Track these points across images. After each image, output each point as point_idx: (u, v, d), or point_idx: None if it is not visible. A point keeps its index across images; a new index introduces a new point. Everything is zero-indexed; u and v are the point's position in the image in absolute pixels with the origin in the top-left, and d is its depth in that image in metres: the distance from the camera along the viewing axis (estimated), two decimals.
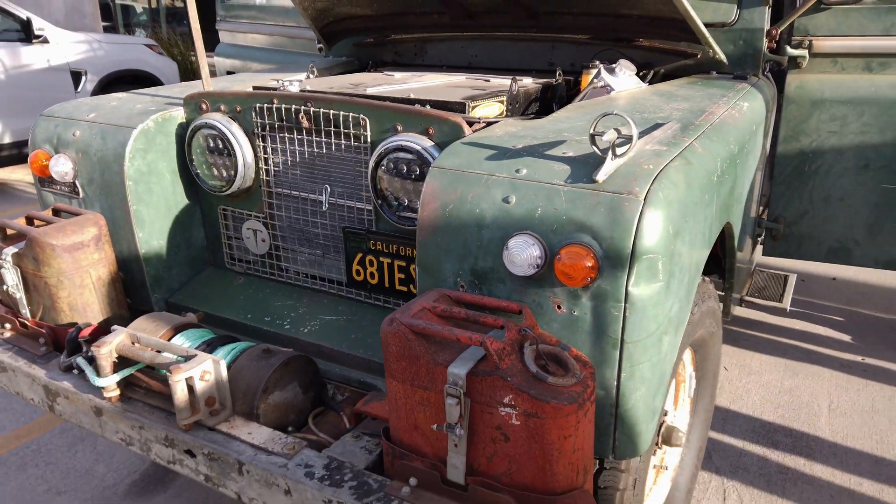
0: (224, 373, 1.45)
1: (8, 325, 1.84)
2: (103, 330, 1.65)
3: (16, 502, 2.18)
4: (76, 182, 1.86)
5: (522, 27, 2.34)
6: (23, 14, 5.63)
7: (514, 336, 1.16)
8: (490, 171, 1.30)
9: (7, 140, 5.54)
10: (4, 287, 1.78)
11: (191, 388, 1.42)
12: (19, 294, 1.78)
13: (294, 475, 1.30)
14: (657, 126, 1.49)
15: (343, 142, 1.66)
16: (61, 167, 1.85)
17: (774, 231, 2.30)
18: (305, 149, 1.73)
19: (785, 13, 2.10)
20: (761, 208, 2.32)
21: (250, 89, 1.85)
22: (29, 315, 1.81)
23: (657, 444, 1.73)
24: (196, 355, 1.44)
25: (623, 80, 1.94)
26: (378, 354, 1.63)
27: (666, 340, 1.28)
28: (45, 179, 1.94)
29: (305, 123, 1.68)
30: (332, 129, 1.66)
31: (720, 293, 2.14)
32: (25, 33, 5.61)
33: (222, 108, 1.81)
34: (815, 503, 2.11)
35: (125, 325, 1.64)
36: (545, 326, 1.26)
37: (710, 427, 2.46)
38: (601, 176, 1.21)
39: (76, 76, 5.96)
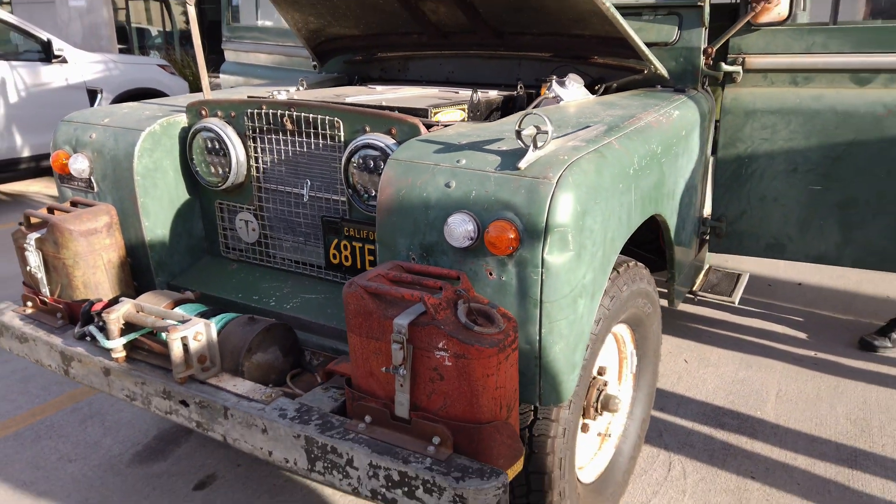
0: (214, 335, 1.70)
1: (30, 303, 2.11)
2: (112, 304, 1.91)
3: (31, 468, 2.42)
4: (91, 178, 2.14)
5: (491, 46, 2.61)
6: (43, 35, 5.98)
7: (449, 295, 1.41)
8: (436, 162, 1.56)
9: (26, 154, 5.87)
10: (28, 268, 2.05)
11: (186, 348, 1.67)
12: (40, 274, 2.04)
13: (269, 416, 1.54)
14: (585, 127, 1.75)
15: (320, 141, 1.93)
16: (79, 165, 2.12)
17: (717, 229, 2.54)
18: (289, 148, 2.00)
19: (723, 34, 2.35)
20: (706, 208, 2.56)
21: (244, 98, 2.12)
22: (48, 293, 2.07)
23: (596, 410, 1.96)
24: (190, 319, 1.70)
25: (572, 91, 2.20)
26: (333, 326, 1.87)
27: (581, 303, 1.53)
28: (64, 176, 2.21)
29: (289, 126, 1.94)
30: (312, 130, 1.93)
31: (665, 282, 2.38)
32: (45, 53, 5.96)
33: (219, 113, 2.08)
34: (751, 474, 2.33)
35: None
36: (480, 290, 1.51)
37: (666, 411, 2.69)
38: (523, 164, 1.46)
39: (92, 94, 6.30)
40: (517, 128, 1.50)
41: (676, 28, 2.37)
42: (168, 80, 6.99)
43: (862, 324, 3.41)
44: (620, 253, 2.26)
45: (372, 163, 1.79)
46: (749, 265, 4.17)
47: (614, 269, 1.83)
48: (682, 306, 3.65)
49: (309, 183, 1.98)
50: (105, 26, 11.56)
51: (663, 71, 2.33)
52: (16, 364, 3.15)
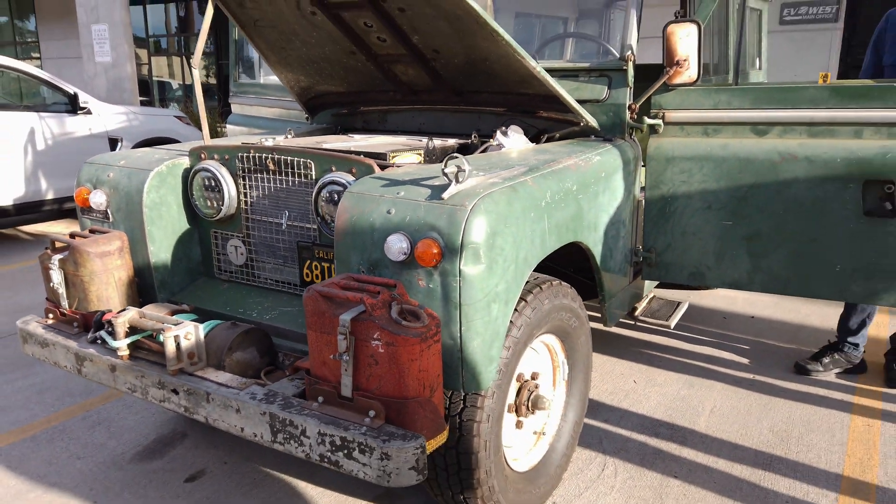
0: (202, 335, 2.08)
1: (51, 315, 2.50)
2: (120, 314, 2.30)
3: (45, 464, 2.77)
4: (108, 210, 2.55)
5: (452, 102, 3.04)
6: (71, 90, 6.54)
7: (385, 297, 1.78)
8: (381, 194, 1.95)
9: (50, 196, 6.36)
10: (51, 284, 2.44)
11: (178, 345, 2.05)
12: (61, 290, 2.43)
13: (242, 399, 1.90)
14: (507, 167, 2.14)
15: (296, 179, 2.33)
16: (98, 199, 2.54)
17: (649, 259, 2.90)
18: (271, 185, 2.40)
19: (645, 92, 2.76)
20: (637, 241, 2.92)
21: (237, 143, 2.54)
22: (67, 306, 2.45)
23: (528, 409, 2.30)
24: (182, 322, 2.07)
25: (513, 140, 2.61)
26: (302, 332, 2.24)
27: (495, 307, 1.89)
28: (85, 209, 2.62)
29: (271, 166, 2.36)
30: (289, 170, 2.33)
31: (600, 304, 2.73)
32: (72, 106, 6.51)
33: (216, 156, 2.50)
34: (675, 474, 2.64)
35: None
36: (413, 295, 1.88)
37: (609, 422, 3.01)
38: (446, 195, 1.85)
39: (113, 142, 6.82)
40: (443, 168, 1.89)
41: (606, 87, 2.78)
42: (184, 130, 7.52)
43: (803, 351, 3.72)
44: (549, 273, 2.62)
45: (336, 196, 2.19)
46: (708, 300, 4.51)
47: (537, 285, 2.19)
48: (638, 334, 3.99)
49: (287, 213, 2.38)
50: (128, 80, 12.27)
51: (594, 123, 2.74)
52: (34, 378, 3.52)
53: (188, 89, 14.90)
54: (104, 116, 6.77)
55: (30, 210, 6.29)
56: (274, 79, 4.19)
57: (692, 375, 3.47)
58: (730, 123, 2.68)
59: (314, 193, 2.24)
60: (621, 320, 4.07)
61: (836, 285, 2.60)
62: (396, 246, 1.85)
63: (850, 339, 3.41)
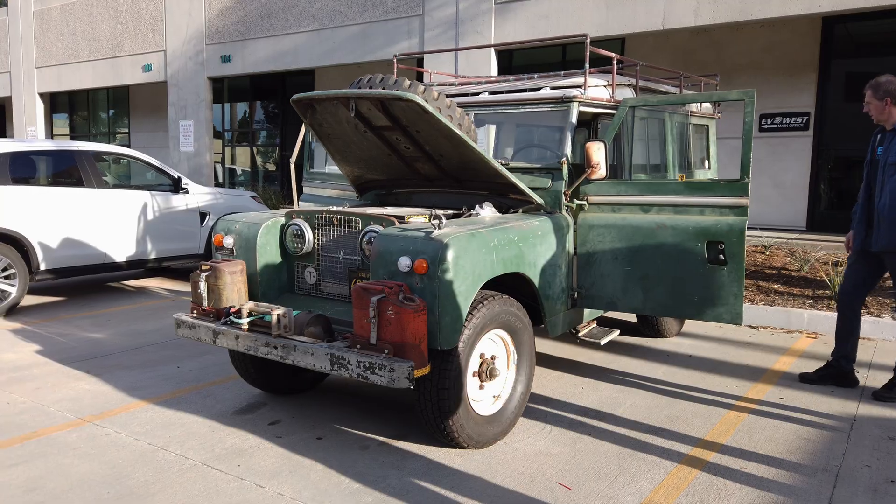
0: (292, 316, 3.58)
1: (195, 311, 4.04)
2: (243, 306, 3.82)
3: (180, 413, 4.24)
4: (233, 248, 4.13)
5: (454, 187, 4.59)
6: (175, 174, 8.41)
7: (395, 289, 3.26)
8: (396, 235, 3.47)
9: (153, 256, 8.09)
10: (198, 291, 3.99)
11: (279, 321, 3.55)
12: (205, 294, 3.98)
13: (314, 348, 3.37)
14: (473, 224, 3.64)
15: (349, 230, 3.88)
16: (228, 241, 4.12)
17: (579, 293, 4.33)
18: (334, 233, 3.95)
19: (573, 183, 4.27)
20: (572, 282, 4.35)
21: (314, 209, 4.11)
22: (206, 305, 3.99)
23: (487, 376, 3.69)
24: (280, 308, 3.59)
25: (486, 211, 4.12)
26: (350, 320, 3.70)
27: (459, 299, 3.34)
28: (218, 247, 4.21)
29: (335, 222, 3.92)
30: (346, 225, 3.88)
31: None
32: (174, 187, 8.34)
33: (301, 217, 4.07)
34: (590, 434, 3.95)
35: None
36: (414, 291, 3.35)
37: (555, 408, 4.34)
38: (433, 235, 3.35)
39: (203, 216, 8.60)
40: (431, 221, 3.41)
41: (550, 180, 4.30)
42: (255, 207, 9.29)
43: (718, 374, 5.00)
44: (504, 294, 4.03)
45: (371, 239, 3.72)
46: (664, 345, 5.83)
47: (492, 296, 3.64)
48: (598, 358, 5.32)
49: (343, 250, 3.92)
50: (207, 167, 14.40)
51: (541, 202, 4.24)
52: (155, 373, 5.04)
53: (251, 175, 17.02)
54: (197, 196, 8.58)
55: (136, 266, 8.02)
56: (334, 169, 5.86)
57: (624, 386, 4.79)
58: (627, 204, 4.16)
59: (360, 238, 3.77)
60: (580, 348, 5.44)
61: (695, 308, 3.97)
62: (404, 262, 3.35)
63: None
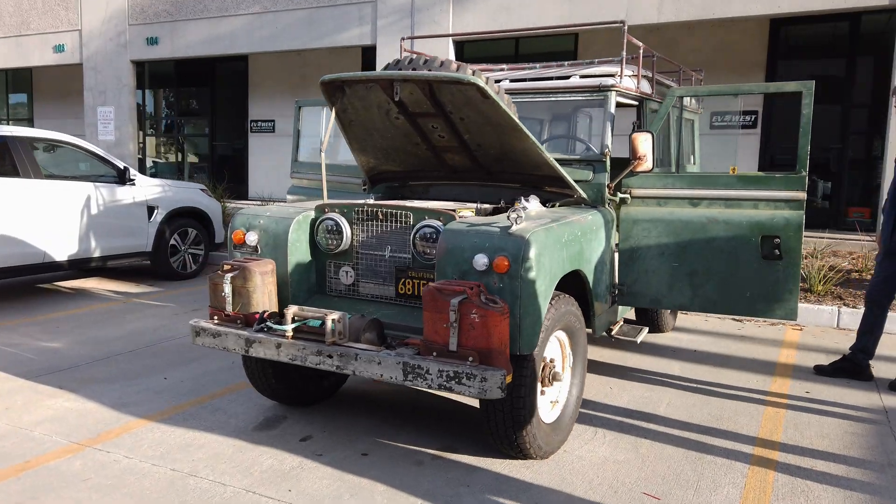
0: (347, 320, 3.21)
1: (216, 317, 3.58)
2: (275, 314, 3.39)
3: (193, 431, 3.76)
4: (257, 245, 3.68)
5: (483, 179, 4.32)
6: (120, 164, 7.65)
7: (476, 291, 2.97)
8: (467, 230, 3.17)
9: (97, 254, 7.33)
10: (222, 294, 3.53)
11: (333, 327, 3.17)
12: (229, 298, 3.52)
13: (382, 356, 3.03)
14: (541, 219, 3.39)
15: (398, 225, 3.53)
16: (252, 237, 3.68)
17: (621, 290, 4.16)
18: (378, 229, 3.60)
19: (617, 176, 4.09)
20: (615, 278, 4.19)
21: (353, 202, 3.73)
22: (230, 310, 3.54)
23: (549, 380, 3.46)
24: (334, 312, 3.21)
25: (532, 205, 3.88)
26: (405, 324, 3.37)
27: (539, 300, 3.09)
28: (237, 245, 3.75)
29: (381, 217, 3.56)
30: (392, 219, 3.54)
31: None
32: (120, 178, 7.59)
33: (336, 210, 3.69)
34: (646, 436, 3.80)
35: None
36: (492, 291, 3.07)
37: (596, 410, 4.17)
38: (511, 231, 3.08)
39: (150, 210, 7.87)
40: (508, 215, 3.14)
41: (591, 172, 4.11)
42: (207, 201, 8.63)
43: (724, 367, 4.99)
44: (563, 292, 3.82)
45: (430, 234, 3.39)
46: (661, 340, 5.78)
47: (556, 296, 3.40)
48: (609, 355, 5.20)
49: (389, 248, 3.57)
50: (131, 157, 13.35)
51: (584, 196, 4.04)
52: (142, 385, 4.49)
53: (175, 167, 16.00)
54: (145, 188, 7.85)
55: (78, 265, 7.23)
56: (330, 160, 5.42)
57: (651, 384, 4.68)
58: (674, 198, 4.03)
59: (413, 233, 3.44)
60: (600, 347, 5.31)
61: (747, 305, 3.90)
62: (481, 261, 3.05)
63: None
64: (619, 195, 4.12)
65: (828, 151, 10.20)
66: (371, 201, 3.77)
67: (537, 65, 4.81)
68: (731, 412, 4.19)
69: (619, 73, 4.35)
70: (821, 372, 4.91)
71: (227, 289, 3.52)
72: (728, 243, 3.87)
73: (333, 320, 3.17)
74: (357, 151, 4.35)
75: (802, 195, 3.74)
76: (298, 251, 3.69)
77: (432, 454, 3.54)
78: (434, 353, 3.00)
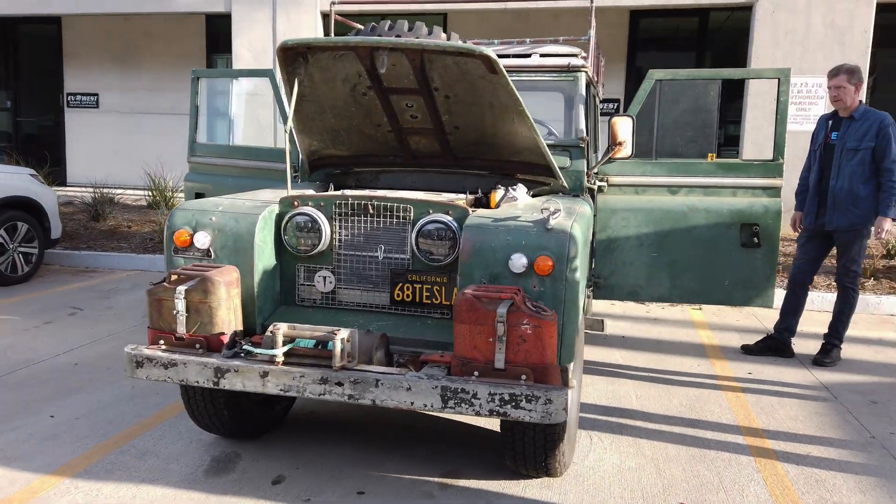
0: (356, 337, 2.64)
1: (162, 341, 2.82)
2: (276, 327, 2.70)
3: (125, 487, 2.95)
4: (210, 248, 2.95)
5: (448, 166, 3.87)
6: None
7: (522, 297, 2.55)
8: (496, 226, 2.74)
9: None
10: (174, 313, 2.77)
11: (342, 348, 2.58)
12: (181, 317, 2.78)
13: (411, 379, 2.52)
14: (557, 211, 3.04)
15: (393, 220, 3.00)
16: (202, 239, 2.94)
17: (598, 282, 3.95)
18: (367, 225, 3.03)
19: (594, 163, 3.86)
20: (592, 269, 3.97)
21: (333, 193, 3.11)
22: (184, 331, 2.80)
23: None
24: (340, 329, 2.62)
25: (521, 194, 3.51)
26: (408, 337, 2.86)
27: (578, 305, 2.75)
28: (181, 248, 2.99)
29: (371, 211, 3.00)
30: (387, 213, 3.00)
31: None
32: None
33: (310, 203, 3.06)
34: (639, 435, 3.63)
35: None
36: (531, 296, 2.67)
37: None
38: (549, 226, 2.69)
39: None
40: (542, 207, 2.75)
41: (569, 159, 3.83)
42: (39, 189, 7.20)
43: (665, 353, 5.02)
44: None
45: (436, 232, 2.90)
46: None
47: None
48: None
49: (382, 247, 3.03)
50: None
51: (565, 184, 3.76)
52: (32, 429, 3.52)
53: None
54: None
55: None
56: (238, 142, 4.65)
57: (607, 376, 4.54)
58: (652, 186, 3.88)
59: (415, 230, 2.93)
60: None
61: (725, 294, 3.86)
62: (520, 262, 2.64)
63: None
64: (598, 183, 3.89)
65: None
66: (355, 192, 3.17)
67: (496, 41, 4.42)
68: (696, 400, 4.16)
69: (581, 55, 4.10)
70: (748, 351, 5.09)
71: (181, 305, 2.77)
72: (708, 232, 3.80)
73: (343, 339, 2.59)
74: (300, 132, 3.69)
75: (780, 182, 3.75)
76: (265, 255, 3.01)
77: (439, 483, 3.08)
78: (476, 373, 2.54)
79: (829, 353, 4.90)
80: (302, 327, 2.67)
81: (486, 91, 3.17)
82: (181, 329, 2.80)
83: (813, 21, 8.46)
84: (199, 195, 4.76)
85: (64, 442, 3.39)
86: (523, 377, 2.50)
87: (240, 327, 2.90)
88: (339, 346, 2.57)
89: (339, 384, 2.58)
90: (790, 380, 4.57)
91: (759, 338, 5.17)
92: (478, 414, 2.48)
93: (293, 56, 3.16)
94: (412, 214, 2.99)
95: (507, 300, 2.52)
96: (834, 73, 4.46)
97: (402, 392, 2.53)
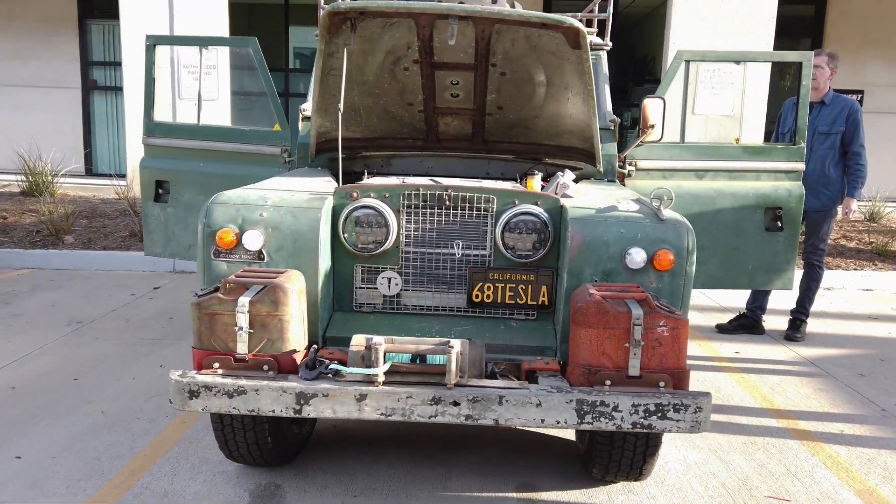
0: (468, 350, 2.29)
1: (216, 364, 2.32)
2: (373, 341, 2.26)
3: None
4: (263, 249, 2.47)
5: (475, 150, 3.55)
6: None
7: (650, 297, 2.33)
8: (605, 218, 2.48)
9: None
10: (236, 328, 2.27)
11: (457, 362, 2.23)
12: (244, 334, 2.29)
13: (540, 394, 2.22)
14: (638, 199, 2.84)
15: (473, 213, 2.66)
16: (254, 239, 2.45)
17: None
18: (441, 219, 2.66)
19: (625, 148, 3.70)
20: None
21: (400, 182, 2.70)
22: (246, 350, 2.31)
23: None
24: (449, 342, 2.26)
25: (569, 180, 3.28)
26: (492, 343, 2.55)
27: (689, 301, 2.57)
28: (222, 251, 2.47)
29: (447, 202, 2.64)
30: (466, 205, 2.65)
31: None
32: None
33: (372, 195, 2.64)
34: None
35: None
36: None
37: None
38: (663, 217, 2.48)
39: None
40: (652, 196, 2.53)
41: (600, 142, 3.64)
42: None
43: None
44: None
45: (526, 225, 2.60)
46: None
47: None
48: None
49: (461, 243, 2.68)
50: None
51: (602, 169, 3.56)
52: (17, 471, 2.84)
53: None
54: None
55: None
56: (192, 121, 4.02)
57: None
58: (679, 170, 3.78)
59: (500, 223, 2.61)
60: None
61: (748, 278, 3.85)
62: (639, 257, 2.42)
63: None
64: (627, 168, 3.74)
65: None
66: (425, 182, 2.78)
67: None
68: (706, 383, 4.16)
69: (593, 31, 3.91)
70: (723, 330, 5.21)
71: (243, 320, 2.28)
72: (734, 216, 3.77)
73: (458, 353, 2.23)
74: (318, 109, 3.22)
75: (802, 166, 3.78)
76: (326, 256, 2.57)
77: (518, 497, 2.81)
78: (608, 382, 2.30)
79: (798, 327, 5.12)
80: (402, 340, 2.29)
81: (551, 67, 2.90)
82: (242, 348, 2.31)
83: (725, 9, 8.84)
84: (159, 183, 4.09)
85: (53, 489, 2.76)
86: (661, 384, 2.29)
87: (304, 343, 2.45)
88: (454, 361, 2.22)
89: (456, 404, 2.23)
90: (774, 356, 4.72)
91: (731, 317, 5.32)
92: (619, 428, 2.24)
93: (339, 22, 2.70)
94: (495, 206, 2.67)
95: (641, 301, 2.29)
96: (816, 53, 4.59)
97: (532, 409, 2.23)
